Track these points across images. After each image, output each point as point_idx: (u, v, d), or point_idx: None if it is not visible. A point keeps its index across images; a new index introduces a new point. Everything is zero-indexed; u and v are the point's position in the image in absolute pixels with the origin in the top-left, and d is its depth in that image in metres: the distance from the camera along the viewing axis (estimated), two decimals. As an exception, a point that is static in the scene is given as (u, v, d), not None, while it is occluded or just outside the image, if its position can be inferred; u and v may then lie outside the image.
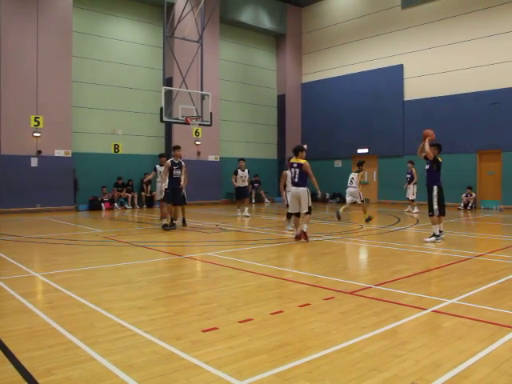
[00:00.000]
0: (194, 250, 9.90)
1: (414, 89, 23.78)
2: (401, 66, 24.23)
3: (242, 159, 17.76)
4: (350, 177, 16.08)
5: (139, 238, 11.60)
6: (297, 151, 10.94)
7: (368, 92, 25.45)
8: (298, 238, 10.71)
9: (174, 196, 13.07)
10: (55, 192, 19.34)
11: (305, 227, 10.65)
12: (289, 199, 11.61)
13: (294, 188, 10.81)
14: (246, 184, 17.42)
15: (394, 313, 5.08)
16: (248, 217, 16.82)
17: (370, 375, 3.49)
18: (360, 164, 16.11)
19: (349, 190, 16.03)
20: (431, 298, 5.68)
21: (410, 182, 19.06)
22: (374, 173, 25.73)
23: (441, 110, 22.57)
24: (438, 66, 22.82)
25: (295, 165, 10.75)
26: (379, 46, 25.22)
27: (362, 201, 15.93)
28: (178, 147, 13.48)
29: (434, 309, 5.20)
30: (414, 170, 19.05)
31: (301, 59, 29.49)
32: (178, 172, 13.13)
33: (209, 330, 4.50)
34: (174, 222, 13.17)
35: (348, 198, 16.15)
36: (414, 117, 23.56)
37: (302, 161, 10.75)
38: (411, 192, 19.02)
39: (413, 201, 19.06)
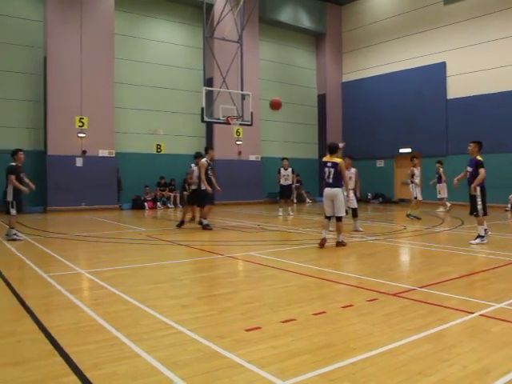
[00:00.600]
0: (236, 249, 9.94)
1: (458, 86, 23.23)
2: (443, 64, 23.72)
3: (286, 158, 17.89)
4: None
5: (181, 237, 11.72)
6: (333, 149, 10.11)
7: (410, 90, 25.03)
8: (322, 245, 9.70)
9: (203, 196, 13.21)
10: (99, 191, 19.75)
11: (340, 237, 9.92)
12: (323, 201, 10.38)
13: (327, 189, 9.89)
14: (290, 182, 17.49)
15: (440, 316, 4.97)
16: (291, 215, 16.94)
17: (416, 379, 3.42)
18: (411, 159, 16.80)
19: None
20: (478, 302, 5.53)
21: (439, 182, 19.22)
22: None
23: (486, 108, 21.98)
24: (483, 62, 22.21)
25: (329, 164, 9.93)
26: (421, 44, 24.75)
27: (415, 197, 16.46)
28: (212, 148, 13.55)
29: (481, 313, 5.06)
30: (441, 169, 19.20)
31: (341, 58, 29.26)
32: (210, 172, 13.22)
33: (252, 330, 4.51)
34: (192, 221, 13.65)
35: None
36: (458, 115, 23.05)
37: (338, 160, 9.96)
38: (443, 191, 19.21)
39: (441, 199, 19.39)
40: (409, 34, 25.33)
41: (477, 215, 10.26)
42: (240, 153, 24.02)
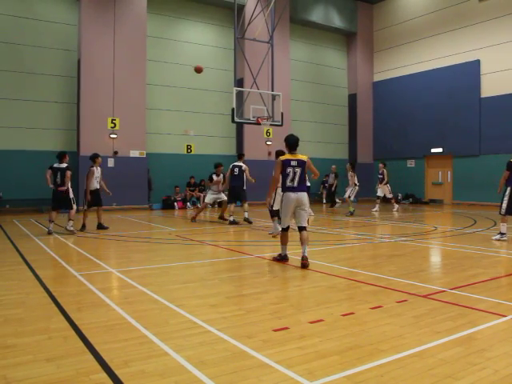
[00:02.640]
0: (264, 249, 9.94)
1: (492, 85, 22.79)
2: (477, 62, 23.31)
3: None
4: None
5: (211, 237, 11.79)
6: (295, 144, 8.43)
7: (442, 89, 24.68)
8: (281, 259, 8.21)
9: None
10: (130, 191, 20.00)
11: (306, 250, 7.89)
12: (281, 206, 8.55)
13: (291, 194, 7.89)
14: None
15: (470, 318, 4.90)
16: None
17: (445, 382, 3.38)
18: None
19: None
20: (510, 305, 5.42)
21: (381, 183, 19.93)
22: (449, 173, 24.92)
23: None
24: (519, 60, 21.80)
25: (294, 162, 8.08)
26: (454, 42, 24.39)
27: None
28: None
29: (514, 315, 4.98)
30: (385, 170, 19.88)
31: (372, 57, 29.02)
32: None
33: (280, 330, 4.51)
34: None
35: None
36: (492, 114, 22.62)
37: (304, 157, 8.35)
38: (381, 191, 19.99)
39: (383, 199, 20.44)
40: (441, 32, 24.98)
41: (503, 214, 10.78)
42: (270, 153, 24.02)
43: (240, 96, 18.87)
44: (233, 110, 17.71)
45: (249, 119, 18.40)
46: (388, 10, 28.06)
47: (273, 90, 19.48)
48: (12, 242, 10.64)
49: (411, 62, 26.63)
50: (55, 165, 12.28)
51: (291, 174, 7.86)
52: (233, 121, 18.11)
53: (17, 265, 7.90)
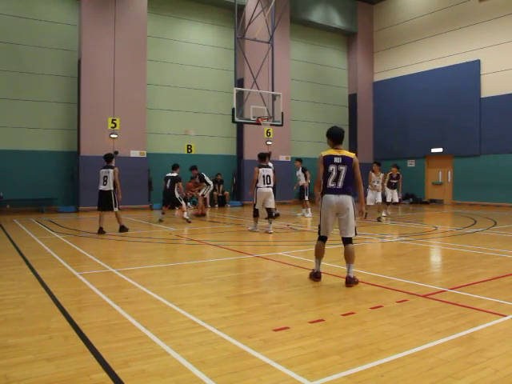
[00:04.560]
0: (265, 249, 9.94)
1: (492, 85, 22.80)
2: (477, 62, 23.31)
3: (297, 159, 18.10)
4: None
5: (211, 237, 11.79)
6: (340, 137, 6.62)
7: (442, 89, 24.69)
8: (312, 276, 6.77)
9: None
10: (131, 191, 19.92)
11: (351, 269, 6.53)
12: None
13: (333, 196, 6.52)
14: (302, 183, 17.58)
15: (471, 318, 4.90)
16: (306, 216, 17.01)
17: (445, 382, 3.38)
18: None
19: None
20: (510, 305, 5.42)
21: (394, 187, 17.06)
22: (449, 173, 24.93)
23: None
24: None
25: (338, 159, 6.55)
26: (454, 42, 24.39)
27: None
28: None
29: (514, 315, 4.98)
30: (401, 175, 17.34)
31: (372, 57, 29.03)
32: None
33: (280, 330, 4.51)
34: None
35: None
36: (493, 114, 22.63)
37: (352, 154, 6.71)
38: (390, 196, 17.11)
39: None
40: (442, 32, 24.99)
41: None
42: (270, 153, 23.97)
43: (240, 96, 18.87)
44: (233, 110, 17.71)
45: (249, 119, 18.40)
46: (388, 10, 28.06)
47: (273, 90, 19.48)
48: (12, 241, 10.64)
49: (411, 62, 26.63)
50: (168, 174, 15.57)
51: (334, 172, 6.48)
52: (233, 121, 18.11)
53: (17, 265, 7.90)
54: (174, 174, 15.49)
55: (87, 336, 4.32)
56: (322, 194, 6.60)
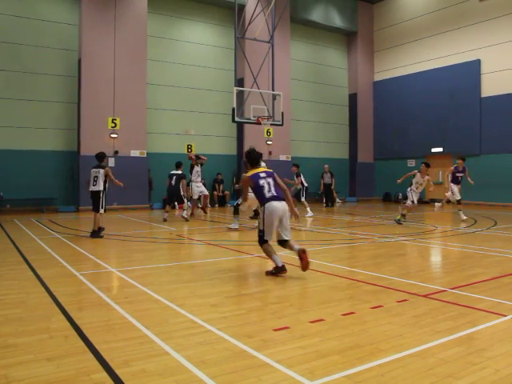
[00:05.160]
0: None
1: (493, 84, 22.77)
2: (478, 61, 23.28)
3: (294, 165, 18.41)
4: None
5: (211, 237, 11.79)
6: (258, 159, 7.59)
7: (443, 89, 24.66)
8: (277, 272, 7.05)
9: None
10: (131, 191, 19.93)
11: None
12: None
13: (277, 203, 7.09)
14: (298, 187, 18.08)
15: (471, 318, 4.90)
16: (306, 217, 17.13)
17: (445, 382, 3.38)
18: None
19: None
20: (511, 304, 5.42)
21: (459, 183, 16.06)
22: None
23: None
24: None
25: (263, 174, 7.37)
26: (454, 42, 24.36)
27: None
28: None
29: (514, 315, 4.98)
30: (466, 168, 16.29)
31: (372, 57, 29.01)
32: None
33: (280, 329, 4.51)
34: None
35: None
36: (492, 114, 22.62)
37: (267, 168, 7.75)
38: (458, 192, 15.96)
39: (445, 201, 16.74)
40: (442, 32, 24.96)
41: None
42: (270, 153, 24.02)
43: (240, 96, 18.87)
44: (233, 109, 17.71)
45: (249, 119, 18.40)
46: (388, 9, 28.05)
47: (273, 90, 19.48)
48: (13, 241, 10.65)
49: (412, 61, 26.61)
50: (173, 171, 15.88)
51: (266, 185, 7.20)
52: (233, 120, 18.11)
53: (17, 264, 7.91)
54: (179, 172, 15.81)
55: (87, 336, 4.32)
56: (264, 203, 7.09)
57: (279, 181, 7.42)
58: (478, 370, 3.59)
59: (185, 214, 15.61)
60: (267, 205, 7.04)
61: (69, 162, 20.06)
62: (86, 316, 4.98)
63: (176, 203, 16.50)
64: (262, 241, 7.16)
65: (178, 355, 3.86)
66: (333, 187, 23.47)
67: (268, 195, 7.12)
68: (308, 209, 17.54)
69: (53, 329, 4.55)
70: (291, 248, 7.10)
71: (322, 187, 23.24)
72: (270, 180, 7.28)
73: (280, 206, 7.05)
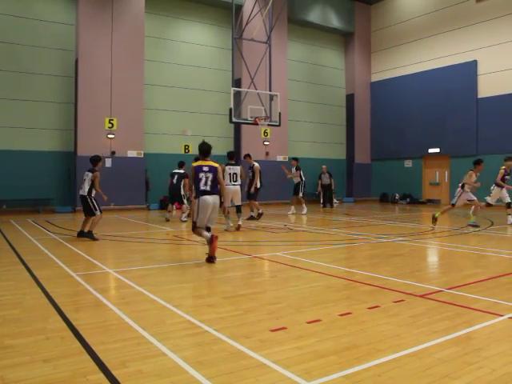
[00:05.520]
0: (262, 249, 9.95)
1: (489, 85, 22.81)
2: (474, 62, 23.33)
3: (294, 158, 19.21)
4: None
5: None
6: (207, 151, 8.78)
7: (440, 90, 24.70)
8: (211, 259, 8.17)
9: None
10: (128, 191, 19.97)
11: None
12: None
13: (208, 197, 8.30)
14: (297, 180, 18.44)
15: (467, 318, 4.91)
16: (301, 214, 17.76)
17: (442, 382, 3.38)
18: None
19: None
20: (508, 304, 5.42)
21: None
22: (446, 173, 24.96)
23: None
24: (516, 61, 21.81)
25: (206, 168, 8.46)
26: (451, 42, 24.40)
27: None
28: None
29: (510, 315, 4.97)
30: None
31: (370, 58, 29.05)
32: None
33: (277, 330, 4.51)
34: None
35: None
36: (490, 115, 22.66)
37: (216, 164, 8.68)
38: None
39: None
40: (439, 33, 24.99)
41: None
42: (267, 153, 24.03)
43: (238, 96, 18.87)
44: (230, 110, 17.71)
45: (246, 119, 18.39)
46: (385, 10, 28.08)
47: (270, 90, 19.49)
48: (9, 242, 10.62)
49: (409, 62, 26.65)
50: (175, 170, 16.01)
51: (204, 178, 8.32)
52: (230, 121, 18.11)
53: (14, 265, 7.89)
54: (181, 171, 15.87)
55: (84, 337, 4.31)
56: (198, 196, 8.28)
57: (219, 176, 8.45)
58: (475, 370, 3.59)
59: (184, 216, 15.58)
60: (200, 198, 8.20)
61: (65, 162, 20.04)
62: (83, 317, 4.97)
63: (172, 202, 16.45)
64: (194, 227, 8.34)
65: (175, 356, 3.86)
66: (333, 187, 23.25)
67: (202, 188, 8.24)
68: (304, 205, 18.00)
69: (49, 330, 4.54)
70: (206, 235, 8.18)
71: (318, 188, 23.11)
72: (210, 175, 8.32)
73: (211, 200, 8.24)
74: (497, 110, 22.34)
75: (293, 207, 18.28)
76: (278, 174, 23.40)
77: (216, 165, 8.57)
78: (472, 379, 3.43)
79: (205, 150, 8.67)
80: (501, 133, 22.13)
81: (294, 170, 18.51)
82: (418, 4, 26.14)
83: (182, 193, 15.63)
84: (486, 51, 22.90)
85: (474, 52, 23.41)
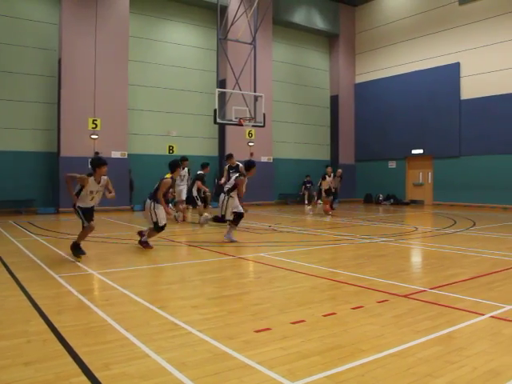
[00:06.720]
0: (247, 250, 9.94)
1: (472, 87, 23.08)
2: (457, 64, 23.59)
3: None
4: None
5: (193, 238, 11.76)
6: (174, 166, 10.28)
7: (423, 91, 24.93)
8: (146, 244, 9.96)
9: None
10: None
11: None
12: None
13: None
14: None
15: (450, 317, 4.95)
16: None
17: (424, 381, 3.41)
18: None
19: None
20: (489, 303, 5.49)
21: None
22: (429, 174, 25.18)
23: (500, 109, 21.83)
24: (498, 63, 22.06)
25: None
26: (435, 44, 24.64)
27: None
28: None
29: (492, 314, 5.03)
30: None
31: (354, 59, 29.21)
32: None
33: (261, 331, 4.51)
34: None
35: None
36: (472, 116, 22.91)
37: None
38: None
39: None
40: (423, 35, 25.23)
41: None
42: (252, 154, 24.03)
43: (222, 97, 18.86)
44: (215, 110, 17.70)
45: (231, 120, 18.40)
46: (370, 12, 28.26)
47: (255, 91, 19.52)
48: (-9, 243, 10.49)
49: (392, 64, 26.85)
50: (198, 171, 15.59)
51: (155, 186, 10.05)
52: (215, 122, 18.10)
53: (-5, 267, 7.80)
54: (199, 172, 15.53)
55: (66, 339, 4.27)
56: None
57: (161, 186, 9.69)
58: (457, 369, 3.63)
59: (203, 219, 14.49)
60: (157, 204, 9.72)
61: (48, 163, 19.86)
62: (66, 319, 4.92)
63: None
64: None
65: (159, 358, 3.84)
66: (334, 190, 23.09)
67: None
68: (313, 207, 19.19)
69: (31, 332, 4.48)
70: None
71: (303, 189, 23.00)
72: (156, 184, 9.83)
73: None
74: (479, 111, 22.59)
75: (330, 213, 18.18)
76: (262, 174, 23.40)
77: (166, 177, 9.87)
78: (454, 378, 3.47)
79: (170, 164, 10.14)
80: (483, 134, 22.37)
81: (330, 177, 18.55)
82: (401, 6, 26.34)
83: (195, 194, 15.36)
84: (469, 53, 23.15)
85: (457, 54, 23.66)
